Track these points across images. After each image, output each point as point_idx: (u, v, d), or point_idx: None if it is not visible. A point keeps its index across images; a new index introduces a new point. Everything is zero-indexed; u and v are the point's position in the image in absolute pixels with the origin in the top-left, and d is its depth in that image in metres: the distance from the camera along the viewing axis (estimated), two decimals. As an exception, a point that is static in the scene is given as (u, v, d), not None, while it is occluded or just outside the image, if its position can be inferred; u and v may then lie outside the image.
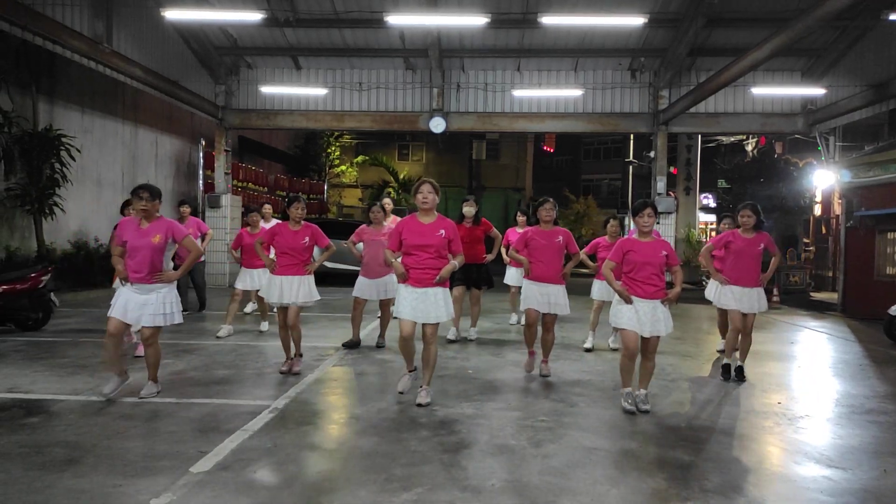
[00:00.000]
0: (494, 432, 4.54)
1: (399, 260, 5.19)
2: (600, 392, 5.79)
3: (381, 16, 12.04)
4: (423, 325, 5.12)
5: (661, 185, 15.54)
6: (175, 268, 5.45)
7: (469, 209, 7.87)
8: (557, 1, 12.90)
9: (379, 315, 7.91)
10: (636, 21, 11.75)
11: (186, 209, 9.62)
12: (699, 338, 8.98)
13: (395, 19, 12.33)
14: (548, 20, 12.23)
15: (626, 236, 6.02)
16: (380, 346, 7.61)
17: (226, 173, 16.30)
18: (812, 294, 14.76)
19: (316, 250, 6.58)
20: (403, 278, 5.10)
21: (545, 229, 6.23)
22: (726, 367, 6.44)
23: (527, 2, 13.12)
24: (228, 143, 16.39)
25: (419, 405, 5.08)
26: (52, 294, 8.48)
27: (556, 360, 7.15)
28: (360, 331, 7.75)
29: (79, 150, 12.05)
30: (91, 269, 12.49)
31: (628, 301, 5.07)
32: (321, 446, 4.26)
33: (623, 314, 5.11)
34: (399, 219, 9.03)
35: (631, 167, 31.47)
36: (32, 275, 8.18)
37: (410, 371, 5.45)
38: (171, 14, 11.69)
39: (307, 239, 6.18)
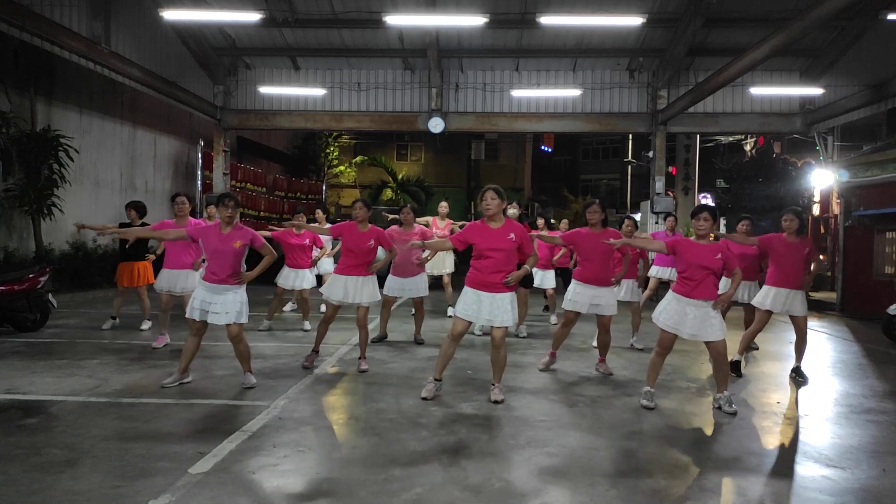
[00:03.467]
0: (494, 432, 4.54)
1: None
2: (600, 392, 5.79)
3: (380, 16, 12.05)
4: (493, 329, 5.25)
5: (659, 184, 15.56)
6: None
7: (513, 212, 8.04)
8: (556, 1, 12.91)
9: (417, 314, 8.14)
10: (635, 21, 11.77)
11: (212, 210, 9.87)
12: (698, 337, 8.97)
13: (394, 19, 12.34)
14: (546, 20, 12.24)
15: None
16: (419, 342, 7.94)
17: (224, 174, 16.31)
18: (810, 293, 14.78)
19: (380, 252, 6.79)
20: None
21: (595, 231, 6.28)
22: (735, 364, 6.51)
23: (525, 2, 13.12)
24: (227, 144, 16.40)
25: (496, 402, 5.22)
26: (50, 295, 8.46)
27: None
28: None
29: (77, 151, 12.02)
30: (89, 270, 12.48)
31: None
32: (320, 447, 4.25)
33: (667, 313, 5.15)
34: (452, 221, 9.43)
35: (629, 167, 31.53)
36: (30, 275, 8.16)
37: (437, 380, 5.44)
38: (170, 14, 11.69)
39: (372, 241, 6.36)
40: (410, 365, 6.69)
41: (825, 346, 8.74)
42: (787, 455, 4.31)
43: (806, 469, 4.03)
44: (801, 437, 4.67)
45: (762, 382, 6.43)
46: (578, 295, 6.31)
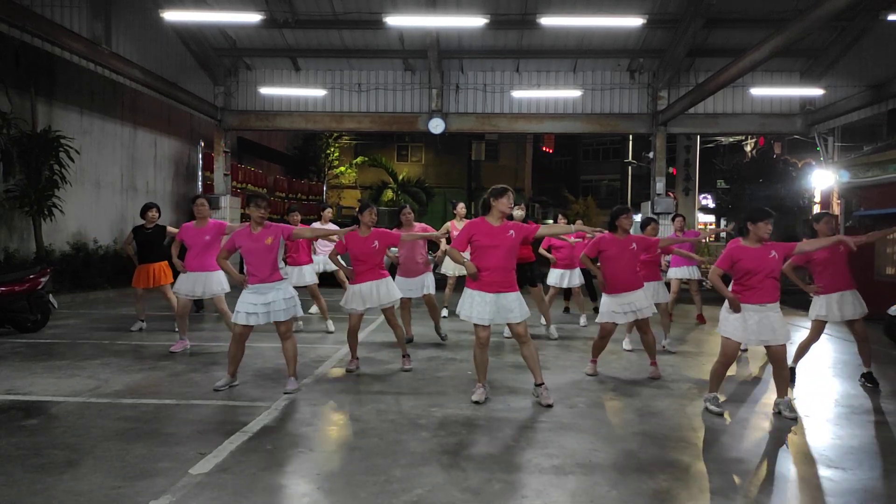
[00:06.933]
0: (494, 434, 4.54)
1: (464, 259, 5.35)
2: (600, 393, 5.79)
3: (380, 17, 12.06)
4: (512, 326, 5.22)
5: (660, 185, 15.55)
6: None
7: (520, 213, 8.01)
8: (556, 2, 12.92)
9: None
10: (635, 22, 11.77)
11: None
12: (700, 338, 8.97)
13: (394, 20, 12.34)
14: (547, 21, 12.24)
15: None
16: (443, 337, 8.03)
17: (225, 174, 16.30)
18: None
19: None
20: (476, 277, 5.18)
21: (620, 237, 6.22)
22: (790, 371, 6.37)
23: (526, 2, 13.13)
24: (227, 145, 16.40)
25: (549, 406, 5.16)
26: (50, 295, 8.47)
27: (556, 360, 7.15)
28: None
29: (78, 152, 12.03)
30: (90, 271, 12.49)
31: (737, 309, 5.02)
32: (321, 447, 4.25)
33: (729, 322, 5.07)
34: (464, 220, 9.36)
35: (630, 168, 31.51)
36: (31, 276, 8.17)
37: (483, 385, 5.42)
38: (170, 15, 11.69)
39: (376, 243, 6.34)
40: (412, 366, 6.69)
41: (826, 347, 8.73)
42: (788, 456, 4.31)
43: (807, 470, 4.03)
44: (802, 437, 4.67)
45: (763, 383, 6.42)
46: (613, 306, 6.19)
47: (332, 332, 8.62)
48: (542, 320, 8.76)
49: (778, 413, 5.10)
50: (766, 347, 5.08)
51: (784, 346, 5.03)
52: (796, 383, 6.37)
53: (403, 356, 6.56)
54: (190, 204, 7.45)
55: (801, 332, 6.61)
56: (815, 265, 6.27)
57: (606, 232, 6.23)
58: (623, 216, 6.23)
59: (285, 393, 5.45)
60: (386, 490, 3.52)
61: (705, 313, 10.19)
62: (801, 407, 5.54)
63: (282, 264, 5.70)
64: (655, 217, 8.37)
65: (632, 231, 7.41)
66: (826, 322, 6.30)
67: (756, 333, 4.98)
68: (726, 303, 5.13)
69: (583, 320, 9.83)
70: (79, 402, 5.10)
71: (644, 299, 6.25)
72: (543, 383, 5.32)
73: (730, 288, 5.13)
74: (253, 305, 5.38)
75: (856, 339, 6.34)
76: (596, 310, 10.51)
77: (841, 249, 6.14)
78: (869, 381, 6.23)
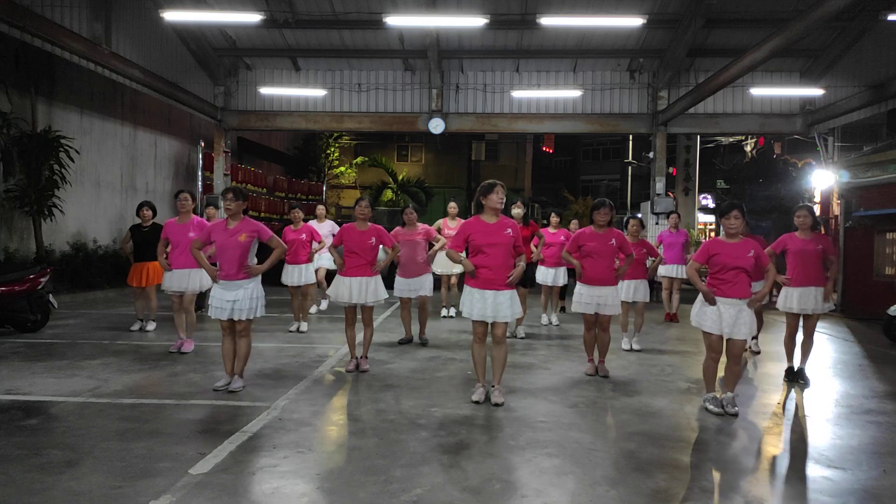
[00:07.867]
0: (494, 433, 4.54)
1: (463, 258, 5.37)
2: (599, 393, 5.79)
3: (380, 17, 12.05)
4: (494, 324, 5.25)
5: (660, 185, 15.55)
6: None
7: (518, 211, 7.98)
8: (556, 2, 12.92)
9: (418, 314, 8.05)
10: (635, 22, 11.77)
11: (212, 210, 9.86)
12: (699, 338, 8.95)
13: (394, 20, 12.35)
14: (547, 21, 12.24)
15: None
16: (423, 342, 7.88)
17: (225, 174, 16.30)
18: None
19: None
20: (473, 274, 5.22)
21: (599, 232, 6.26)
22: (789, 370, 6.47)
23: (525, 2, 13.13)
24: (227, 145, 16.40)
25: (496, 405, 5.18)
26: (50, 295, 8.47)
27: (554, 360, 7.16)
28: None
29: (77, 152, 12.04)
30: (89, 271, 12.49)
31: (712, 302, 5.08)
32: (320, 447, 4.26)
33: (707, 316, 5.14)
34: (462, 220, 9.32)
35: (630, 168, 31.54)
36: (31, 276, 8.17)
37: (482, 385, 5.44)
38: (170, 15, 11.69)
39: (374, 239, 6.38)
40: (411, 366, 6.69)
41: (826, 347, 8.73)
42: (788, 456, 4.31)
43: (806, 470, 4.03)
44: (802, 437, 4.67)
45: (762, 383, 6.43)
46: (584, 297, 6.31)
47: (303, 333, 8.64)
48: (515, 325, 8.64)
49: (721, 407, 5.13)
50: (728, 341, 5.15)
51: (744, 341, 5.12)
52: (799, 383, 6.37)
53: (362, 357, 6.49)
54: (193, 200, 7.43)
55: (802, 333, 6.64)
56: (789, 256, 6.40)
57: (588, 227, 6.38)
58: (596, 211, 6.26)
59: (230, 391, 5.45)
60: (385, 490, 3.52)
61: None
62: (801, 407, 5.55)
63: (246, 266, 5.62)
64: (637, 215, 8.43)
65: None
66: (799, 315, 6.39)
67: (728, 326, 5.05)
68: (700, 296, 5.19)
69: (553, 318, 9.91)
70: (79, 402, 5.10)
71: (614, 298, 6.29)
72: (498, 386, 5.35)
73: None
74: (221, 301, 5.41)
75: (804, 334, 6.43)
76: None
77: (818, 247, 6.27)
78: (801, 378, 6.36)
